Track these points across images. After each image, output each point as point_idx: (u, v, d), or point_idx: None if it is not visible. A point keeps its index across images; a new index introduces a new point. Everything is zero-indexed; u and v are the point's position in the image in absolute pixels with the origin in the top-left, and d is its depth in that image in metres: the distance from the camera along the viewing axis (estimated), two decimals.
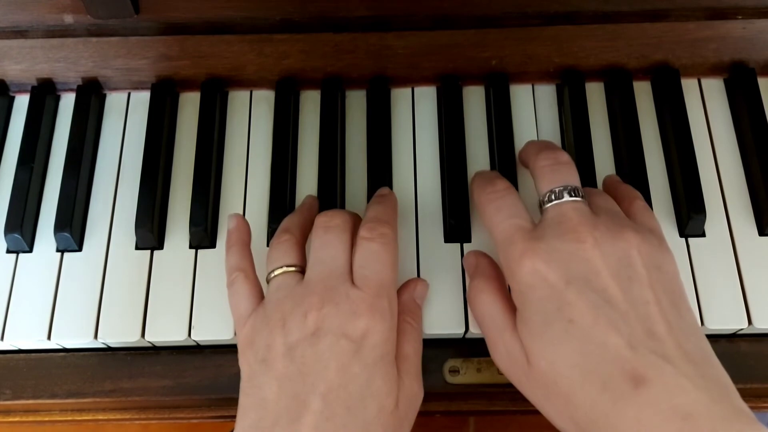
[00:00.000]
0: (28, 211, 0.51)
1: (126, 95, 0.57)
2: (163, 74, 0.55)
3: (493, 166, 0.53)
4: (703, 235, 0.50)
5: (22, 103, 0.56)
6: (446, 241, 0.50)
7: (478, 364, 0.49)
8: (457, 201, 0.50)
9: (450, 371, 0.49)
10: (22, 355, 0.50)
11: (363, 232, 0.44)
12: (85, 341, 0.49)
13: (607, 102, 0.55)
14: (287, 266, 0.44)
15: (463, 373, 0.48)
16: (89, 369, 0.50)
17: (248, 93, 0.56)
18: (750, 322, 0.47)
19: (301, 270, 0.44)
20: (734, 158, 0.53)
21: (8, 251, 0.51)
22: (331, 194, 0.51)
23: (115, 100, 0.57)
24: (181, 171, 0.54)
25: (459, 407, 0.50)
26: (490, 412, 0.50)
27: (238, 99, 0.56)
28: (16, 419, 0.52)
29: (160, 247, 0.51)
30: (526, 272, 0.40)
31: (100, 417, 0.51)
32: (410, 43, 0.53)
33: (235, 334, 0.46)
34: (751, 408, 0.36)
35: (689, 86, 0.55)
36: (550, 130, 0.54)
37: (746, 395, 0.37)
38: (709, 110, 0.54)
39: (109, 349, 0.50)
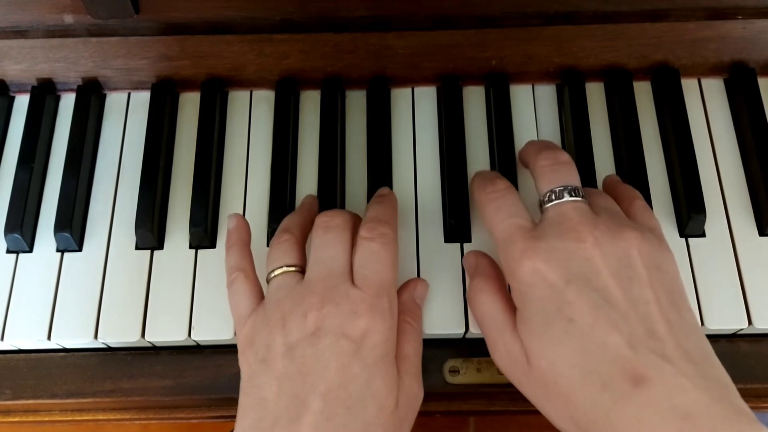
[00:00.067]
0: (28, 211, 0.51)
1: (126, 95, 0.57)
2: (163, 74, 0.55)
3: (493, 166, 0.53)
4: (703, 235, 0.50)
5: (22, 103, 0.56)
6: (446, 241, 0.50)
7: (478, 364, 0.49)
8: (457, 201, 0.50)
9: (450, 371, 0.49)
10: (22, 355, 0.50)
11: (363, 232, 0.44)
12: (85, 341, 0.49)
13: (607, 102, 0.55)
14: (287, 266, 0.44)
15: (463, 373, 0.48)
16: (89, 369, 0.50)
17: (248, 93, 0.56)
18: (750, 322, 0.47)
19: (301, 270, 0.44)
20: (734, 158, 0.53)
21: (8, 251, 0.51)
22: (331, 194, 0.51)
23: (115, 100, 0.57)
24: (181, 171, 0.54)
25: (459, 407, 0.50)
26: (490, 412, 0.50)
27: (238, 99, 0.56)
28: (16, 419, 0.52)
29: (160, 247, 0.51)
30: (526, 272, 0.40)
31: (100, 417, 0.51)
32: (410, 43, 0.53)
33: (235, 334, 0.46)
34: (751, 408, 0.36)
35: (689, 86, 0.55)
36: (550, 130, 0.55)
37: (746, 395, 0.37)
38: (709, 110, 0.54)
39: (109, 349, 0.50)
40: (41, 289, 0.50)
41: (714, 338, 0.42)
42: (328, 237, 0.44)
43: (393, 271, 0.43)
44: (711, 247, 0.49)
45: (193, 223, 0.50)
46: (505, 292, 0.44)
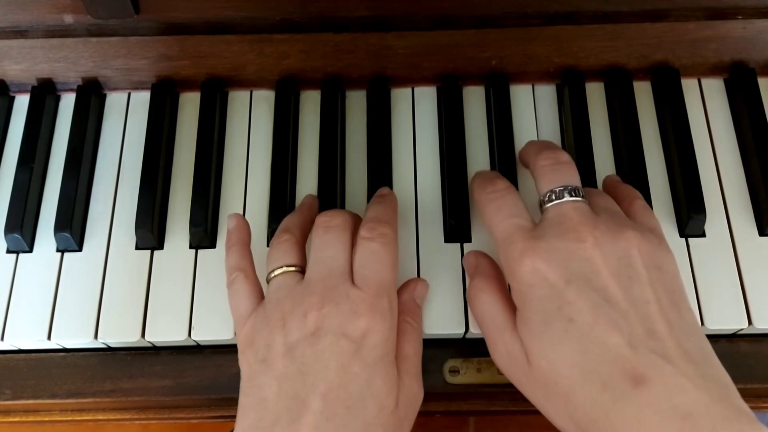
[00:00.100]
0: (28, 211, 0.51)
1: (126, 95, 0.57)
2: (163, 74, 0.55)
3: (493, 166, 0.53)
4: (703, 235, 0.50)
5: (22, 103, 0.56)
6: (446, 241, 0.50)
7: (478, 364, 0.49)
8: (457, 201, 0.50)
9: (450, 371, 0.49)
10: (22, 355, 0.50)
11: (363, 232, 0.44)
12: (85, 341, 0.49)
13: (607, 102, 0.55)
14: (287, 266, 0.44)
15: (463, 373, 0.48)
16: (89, 369, 0.50)
17: (248, 93, 0.56)
18: (750, 322, 0.47)
19: (301, 270, 0.44)
20: (734, 158, 0.53)
21: (8, 251, 0.51)
22: (331, 194, 0.51)
23: (115, 100, 0.57)
24: (181, 171, 0.54)
25: (459, 407, 0.50)
26: (490, 412, 0.50)
27: (238, 99, 0.56)
28: (16, 419, 0.52)
29: (160, 247, 0.51)
30: (526, 271, 0.40)
31: (100, 417, 0.51)
32: (410, 43, 0.53)
33: (235, 334, 0.46)
34: (751, 408, 0.36)
35: (689, 86, 0.55)
36: (550, 130, 0.55)
37: (746, 395, 0.37)
38: (709, 110, 0.54)
39: (109, 349, 0.50)
40: (41, 289, 0.50)
41: (714, 338, 0.42)
42: (328, 237, 0.44)
43: (393, 271, 0.43)
44: (711, 247, 0.49)
45: (193, 223, 0.50)
46: (505, 292, 0.44)
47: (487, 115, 0.55)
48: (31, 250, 0.51)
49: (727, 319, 0.47)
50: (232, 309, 0.45)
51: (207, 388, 0.49)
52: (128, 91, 0.57)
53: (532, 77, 0.56)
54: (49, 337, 0.48)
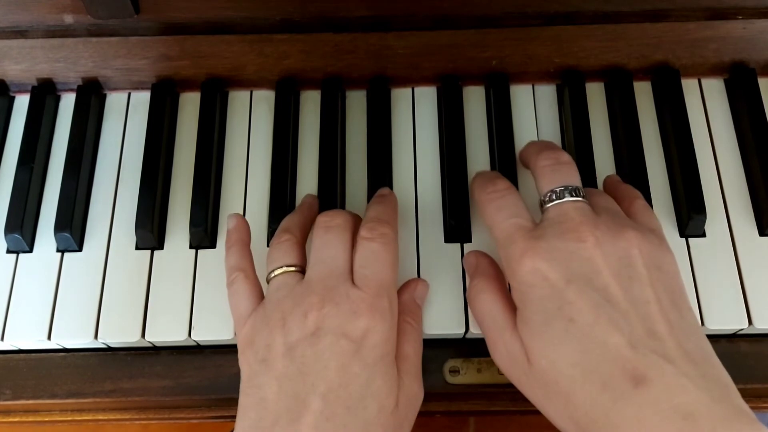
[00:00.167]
0: (28, 211, 0.51)
1: (126, 95, 0.57)
2: (163, 74, 0.55)
3: (493, 166, 0.53)
4: (703, 235, 0.50)
5: (22, 103, 0.56)
6: (446, 241, 0.50)
7: (479, 364, 0.49)
8: (458, 201, 0.50)
9: (450, 371, 0.49)
10: (22, 355, 0.50)
11: (363, 232, 0.44)
12: (85, 341, 0.49)
13: (608, 102, 0.55)
14: (287, 266, 0.44)
15: (463, 373, 0.48)
16: (89, 369, 0.50)
17: (248, 93, 0.56)
18: (750, 322, 0.47)
19: (302, 270, 0.44)
20: (734, 158, 0.53)
21: (8, 251, 0.51)
22: (331, 194, 0.51)
23: (115, 100, 0.57)
24: (181, 171, 0.54)
25: (459, 407, 0.50)
26: (490, 412, 0.50)
27: (238, 99, 0.56)
28: (16, 419, 0.52)
29: (161, 247, 0.51)
30: (526, 271, 0.40)
31: (100, 417, 0.51)
32: (410, 43, 0.53)
33: (235, 334, 0.46)
34: (751, 408, 0.36)
35: (689, 86, 0.55)
36: (551, 130, 0.54)
37: (746, 395, 0.37)
38: (709, 110, 0.54)
39: (109, 349, 0.50)
40: (41, 289, 0.50)
41: (714, 338, 0.42)
42: (328, 237, 0.44)
43: (393, 271, 0.43)
44: (711, 247, 0.49)
45: (193, 223, 0.50)
46: (506, 292, 0.44)
47: (487, 115, 0.55)
48: (31, 250, 0.51)
49: (727, 319, 0.47)
50: (232, 309, 0.45)
51: (207, 388, 0.49)
52: (128, 91, 0.57)
53: (533, 77, 0.56)
54: (49, 337, 0.48)
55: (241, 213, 0.52)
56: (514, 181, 0.51)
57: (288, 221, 0.47)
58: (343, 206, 0.52)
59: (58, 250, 0.51)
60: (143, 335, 0.48)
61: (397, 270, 0.44)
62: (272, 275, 0.44)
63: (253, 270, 0.46)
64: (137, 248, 0.51)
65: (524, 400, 0.42)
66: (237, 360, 0.43)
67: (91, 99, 0.55)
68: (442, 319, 0.48)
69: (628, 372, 0.36)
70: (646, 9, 0.50)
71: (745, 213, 0.51)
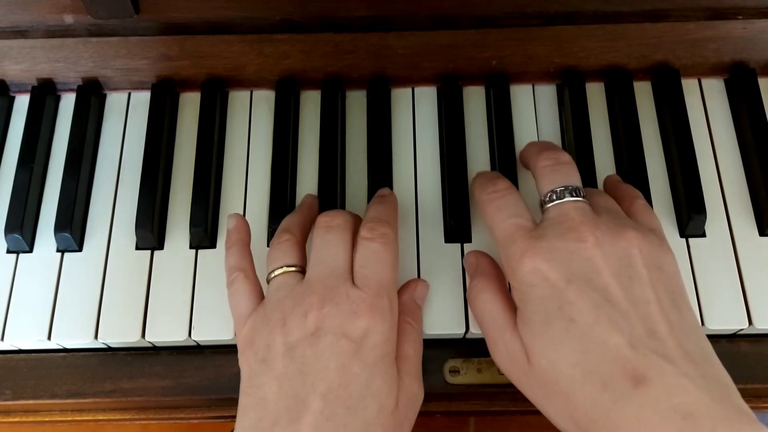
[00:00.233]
0: (28, 211, 0.51)
1: (126, 95, 0.57)
2: (163, 74, 0.55)
3: (493, 166, 0.53)
4: (703, 235, 0.50)
5: (22, 103, 0.56)
6: (446, 241, 0.50)
7: (479, 365, 0.49)
8: (458, 201, 0.50)
9: (450, 371, 0.49)
10: (22, 355, 0.50)
11: (363, 232, 0.44)
12: (86, 341, 0.49)
13: (608, 102, 0.55)
14: (287, 266, 0.44)
15: (463, 374, 0.48)
16: (89, 369, 0.50)
17: (248, 93, 0.56)
18: (750, 322, 0.47)
19: (302, 270, 0.44)
20: (734, 158, 0.53)
21: (8, 251, 0.51)
22: (331, 194, 0.51)
23: (115, 101, 0.57)
24: (181, 171, 0.54)
25: (459, 407, 0.50)
26: (490, 412, 0.50)
27: (238, 99, 0.56)
28: (16, 419, 0.52)
29: (161, 247, 0.51)
30: (527, 271, 0.40)
31: (100, 417, 0.51)
32: (410, 43, 0.53)
33: (235, 334, 0.46)
34: (751, 408, 0.36)
35: (689, 86, 0.55)
36: (551, 130, 0.54)
37: (746, 395, 0.37)
38: (709, 110, 0.54)
39: (109, 349, 0.50)
40: (41, 289, 0.50)
41: (714, 338, 0.42)
42: (328, 237, 0.44)
43: (393, 271, 0.43)
44: (711, 247, 0.49)
45: (194, 223, 0.50)
46: (506, 292, 0.44)
47: (487, 115, 0.55)
48: (31, 250, 0.51)
49: (727, 319, 0.47)
50: (232, 309, 0.45)
51: (207, 388, 0.49)
52: (128, 91, 0.57)
53: (533, 77, 0.56)
54: (49, 337, 0.48)
55: (241, 213, 0.52)
56: (514, 181, 0.51)
57: (288, 221, 0.47)
58: (343, 206, 0.52)
59: (58, 250, 0.51)
60: (143, 335, 0.48)
61: (397, 270, 0.44)
62: (272, 275, 0.44)
63: (253, 270, 0.46)
64: (137, 248, 0.51)
65: (524, 400, 0.42)
66: (237, 360, 0.43)
67: (91, 99, 0.55)
68: (442, 319, 0.48)
69: (628, 372, 0.36)
70: (646, 9, 0.50)
71: (745, 213, 0.51)
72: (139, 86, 0.56)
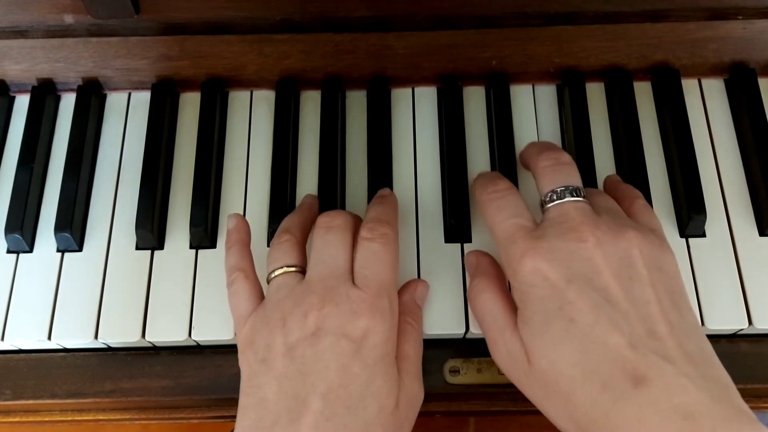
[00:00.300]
0: (28, 211, 0.51)
1: (126, 95, 0.57)
2: (163, 74, 0.55)
3: (493, 166, 0.53)
4: (703, 235, 0.50)
5: (22, 103, 0.56)
6: (446, 241, 0.50)
7: (479, 365, 0.49)
8: (458, 201, 0.50)
9: (450, 371, 0.49)
10: (22, 355, 0.50)
11: (364, 233, 0.44)
12: (86, 341, 0.49)
13: (608, 102, 0.55)
14: (287, 266, 0.44)
15: (463, 374, 0.48)
16: (89, 369, 0.50)
17: (248, 93, 0.56)
18: (750, 322, 0.47)
19: (302, 270, 0.44)
20: (734, 158, 0.53)
21: (8, 251, 0.51)
22: (331, 194, 0.51)
23: (115, 101, 0.57)
24: (181, 171, 0.54)
25: (459, 407, 0.50)
26: (490, 412, 0.50)
27: (238, 99, 0.56)
28: (16, 419, 0.52)
29: (161, 247, 0.51)
30: (527, 271, 0.40)
31: (101, 417, 0.51)
32: (410, 44, 0.53)
33: (235, 334, 0.46)
34: (751, 408, 0.36)
35: (689, 86, 0.55)
36: (551, 131, 0.55)
37: (746, 395, 0.37)
38: (709, 110, 0.54)
39: (109, 349, 0.50)
40: (41, 289, 0.50)
41: (714, 338, 0.42)
42: (329, 237, 0.44)
43: (393, 272, 0.43)
44: (711, 247, 0.49)
45: (194, 223, 0.50)
46: (506, 292, 0.44)
47: (487, 115, 0.55)
48: (31, 250, 0.51)
49: (727, 319, 0.47)
50: (232, 309, 0.45)
51: (207, 388, 0.49)
52: (128, 91, 0.57)
53: (533, 77, 0.56)
54: (49, 337, 0.48)
55: (241, 213, 0.52)
56: (514, 181, 0.51)
57: (288, 221, 0.47)
58: (343, 206, 0.52)
59: (58, 250, 0.51)
60: (143, 335, 0.48)
61: (397, 270, 0.44)
62: (272, 275, 0.44)
63: (253, 270, 0.46)
64: (137, 248, 0.51)
65: (524, 400, 0.42)
66: (237, 360, 0.43)
67: (91, 99, 0.55)
68: (443, 319, 0.48)
69: (628, 372, 0.36)
70: (646, 9, 0.50)
71: (745, 213, 0.51)
72: (139, 86, 0.56)
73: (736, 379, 0.37)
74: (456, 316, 0.48)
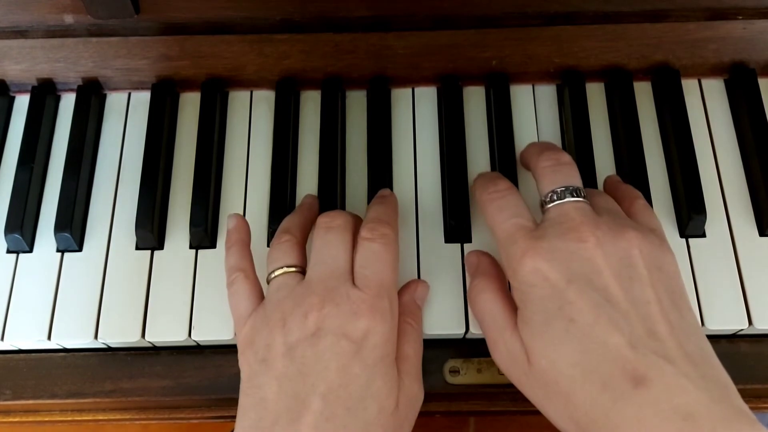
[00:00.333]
0: (28, 211, 0.51)
1: (126, 95, 0.57)
2: (163, 74, 0.55)
3: (493, 167, 0.53)
4: (703, 235, 0.50)
5: (22, 103, 0.56)
6: (446, 241, 0.50)
7: (479, 365, 0.49)
8: (458, 201, 0.50)
9: (450, 371, 0.49)
10: (22, 355, 0.50)
11: (364, 233, 0.44)
12: (86, 341, 0.49)
13: (608, 102, 0.55)
14: (287, 267, 0.44)
15: (463, 374, 0.48)
16: (89, 369, 0.50)
17: (248, 93, 0.56)
18: (750, 322, 0.47)
19: (302, 270, 0.44)
20: (734, 159, 0.53)
21: (8, 251, 0.51)
22: (331, 195, 0.51)
23: (115, 101, 0.57)
24: (181, 171, 0.54)
25: (459, 407, 0.50)
26: (490, 412, 0.50)
27: (238, 99, 0.56)
28: (16, 419, 0.52)
29: (161, 247, 0.51)
30: (527, 271, 0.40)
31: (100, 417, 0.51)
32: (410, 44, 0.53)
33: (235, 334, 0.46)
34: (751, 408, 0.36)
35: (689, 87, 0.55)
36: (551, 131, 0.54)
37: (746, 395, 0.37)
38: (709, 111, 0.54)
39: (109, 349, 0.50)
40: (41, 289, 0.50)
41: (714, 338, 0.42)
42: (329, 237, 0.44)
43: (394, 272, 0.43)
44: (711, 247, 0.49)
45: (194, 223, 0.50)
46: (506, 292, 0.44)
47: (487, 115, 0.55)
48: (31, 250, 0.51)
49: (727, 319, 0.47)
50: (232, 309, 0.45)
51: (207, 388, 0.49)
52: (128, 91, 0.57)
53: (533, 77, 0.56)
54: (49, 338, 0.48)
55: (241, 213, 0.52)
56: (514, 181, 0.51)
57: (288, 222, 0.47)
58: (343, 206, 0.52)
59: (58, 250, 0.51)
60: (143, 335, 0.48)
61: (397, 270, 0.44)
62: (272, 276, 0.44)
63: (253, 270, 0.46)
64: (137, 248, 0.51)
65: (524, 400, 0.42)
66: (237, 360, 0.43)
67: (91, 99, 0.55)
68: (442, 319, 0.48)
69: (628, 372, 0.36)
70: (646, 9, 0.50)
71: (745, 213, 0.51)
72: (139, 86, 0.56)
73: (736, 380, 0.37)
74: (456, 316, 0.48)
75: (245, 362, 0.42)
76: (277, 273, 0.44)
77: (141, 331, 0.48)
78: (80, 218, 0.52)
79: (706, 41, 0.52)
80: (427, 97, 0.56)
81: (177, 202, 0.52)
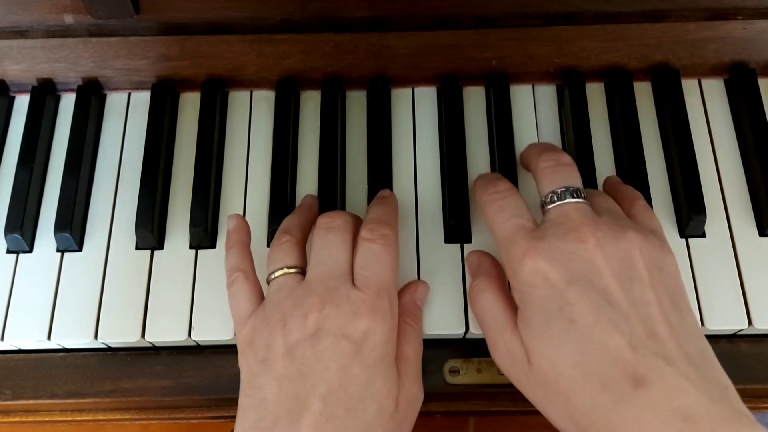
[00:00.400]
0: (28, 211, 0.51)
1: (126, 95, 0.57)
2: (163, 74, 0.55)
3: (493, 167, 0.53)
4: (703, 235, 0.50)
5: (22, 103, 0.56)
6: (446, 241, 0.50)
7: (479, 365, 0.49)
8: (458, 201, 0.50)
9: (450, 371, 0.49)
10: (22, 355, 0.50)
11: (364, 233, 0.44)
12: (85, 341, 0.49)
13: (608, 102, 0.55)
14: (288, 267, 0.44)
15: (463, 374, 0.48)
16: (89, 369, 0.50)
17: (248, 93, 0.56)
18: (750, 322, 0.47)
19: (302, 271, 0.44)
20: (734, 159, 0.53)
21: (8, 251, 0.51)
22: (331, 195, 0.51)
23: (115, 101, 0.57)
24: (181, 171, 0.54)
25: (459, 408, 0.50)
26: (490, 412, 0.50)
27: (238, 99, 0.56)
28: (16, 419, 0.52)
29: (161, 247, 0.51)
30: (527, 272, 0.40)
31: (100, 417, 0.51)
32: (410, 44, 0.53)
33: (235, 334, 0.46)
34: (751, 409, 0.36)
35: (689, 87, 0.55)
36: (551, 131, 0.54)
37: (746, 396, 0.37)
38: (709, 111, 0.54)
39: (109, 349, 0.50)
40: (41, 289, 0.50)
41: (714, 339, 0.42)
42: (329, 238, 0.44)
43: (394, 272, 0.43)
44: (711, 247, 0.49)
45: (194, 223, 0.50)
46: (507, 292, 0.44)
47: (487, 115, 0.55)
48: (31, 250, 0.51)
49: (727, 319, 0.47)
50: (232, 310, 0.45)
51: (207, 389, 0.49)
52: (128, 91, 0.57)
53: (533, 77, 0.56)
54: (49, 337, 0.48)
55: (241, 213, 0.52)
56: (514, 181, 0.51)
57: (288, 222, 0.47)
58: (343, 207, 0.52)
59: (58, 250, 0.51)
60: (143, 335, 0.48)
61: (397, 271, 0.44)
62: (272, 276, 0.44)
63: (253, 271, 0.46)
64: (137, 248, 0.51)
65: (524, 400, 0.42)
66: (237, 360, 0.43)
67: (91, 99, 0.55)
68: (442, 319, 0.48)
69: (628, 373, 0.36)
70: (646, 9, 0.50)
71: (745, 213, 0.51)
72: (139, 86, 0.56)
73: (736, 380, 0.37)
74: (456, 316, 0.48)
75: (245, 363, 0.42)
76: (277, 274, 0.44)
77: (141, 331, 0.48)
78: (80, 218, 0.52)
79: (706, 41, 0.52)
80: (427, 97, 0.56)
81: (177, 202, 0.52)
